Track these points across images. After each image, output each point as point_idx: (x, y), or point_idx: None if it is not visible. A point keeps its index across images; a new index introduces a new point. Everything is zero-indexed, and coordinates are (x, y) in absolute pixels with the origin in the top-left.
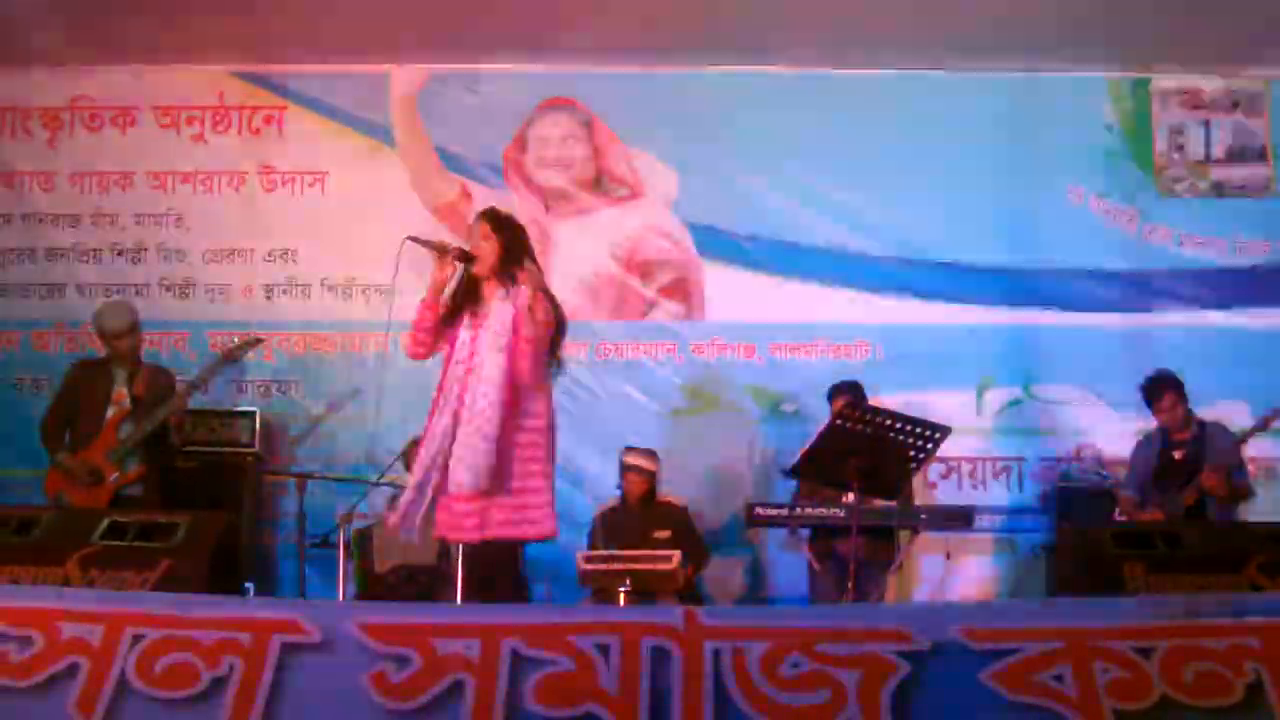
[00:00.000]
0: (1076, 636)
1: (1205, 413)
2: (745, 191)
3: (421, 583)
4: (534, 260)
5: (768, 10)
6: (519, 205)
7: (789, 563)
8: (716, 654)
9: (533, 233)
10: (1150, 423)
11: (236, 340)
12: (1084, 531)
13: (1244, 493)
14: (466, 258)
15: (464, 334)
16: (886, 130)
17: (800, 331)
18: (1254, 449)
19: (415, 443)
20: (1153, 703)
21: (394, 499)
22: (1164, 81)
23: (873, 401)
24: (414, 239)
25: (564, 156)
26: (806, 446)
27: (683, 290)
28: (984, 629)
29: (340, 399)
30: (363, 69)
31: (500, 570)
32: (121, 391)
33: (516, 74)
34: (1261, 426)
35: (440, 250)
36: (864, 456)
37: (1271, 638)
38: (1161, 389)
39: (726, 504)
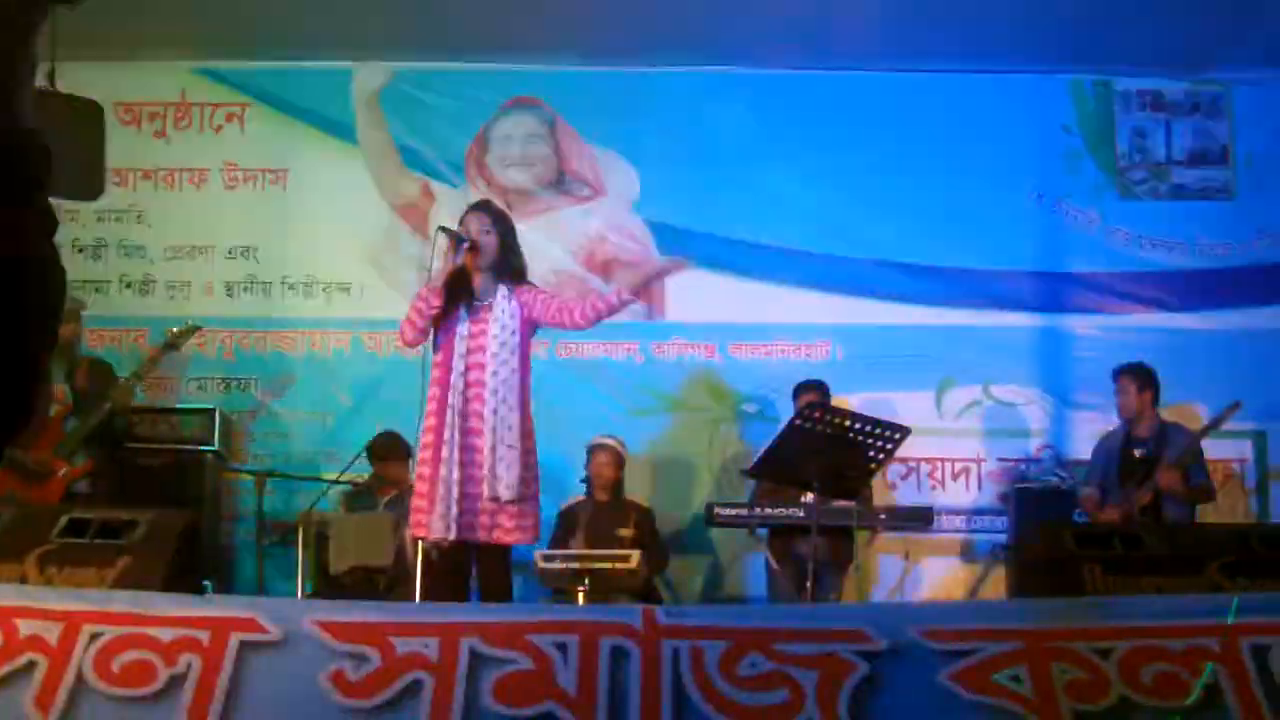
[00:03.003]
0: (1035, 637)
1: (1165, 413)
2: (707, 191)
3: (378, 583)
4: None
5: (731, 10)
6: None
7: (748, 563)
8: (675, 653)
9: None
10: (1110, 423)
11: (175, 330)
12: (1043, 532)
13: (1202, 492)
14: (473, 248)
15: (463, 328)
16: (848, 131)
17: (761, 331)
18: (1215, 451)
19: (385, 440)
20: (1111, 703)
21: (354, 496)
22: (1126, 83)
23: (833, 402)
24: (444, 229)
25: (527, 155)
26: (766, 447)
27: (644, 290)
28: (942, 629)
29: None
30: (325, 66)
31: (506, 574)
32: (61, 388)
33: (480, 72)
34: (1217, 422)
35: (458, 240)
36: (824, 457)
37: (1229, 639)
38: (1122, 372)
39: (687, 504)
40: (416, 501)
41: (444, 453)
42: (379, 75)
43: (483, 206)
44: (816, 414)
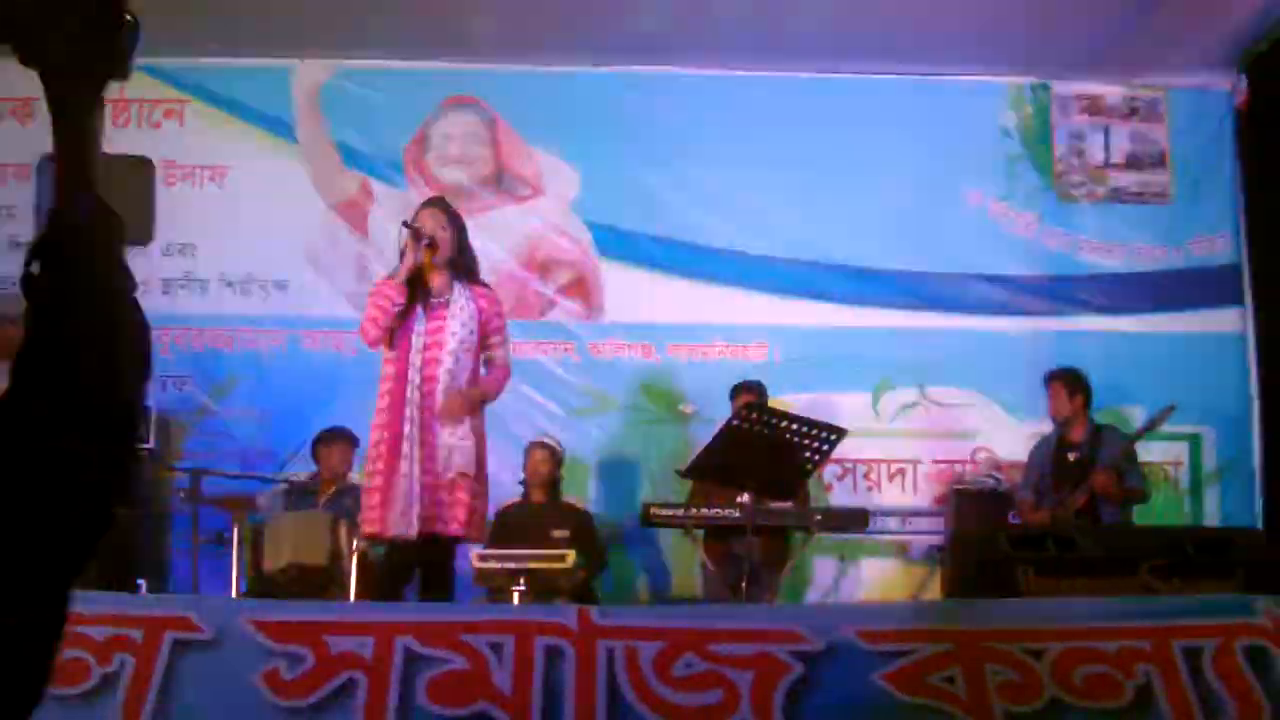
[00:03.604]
0: (969, 639)
1: (1101, 417)
2: (646, 192)
3: (314, 582)
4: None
5: (670, 11)
6: (419, 202)
7: (683, 563)
8: (610, 653)
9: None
10: (1045, 426)
11: None
12: (978, 534)
13: (1136, 495)
14: (432, 245)
15: (420, 325)
16: (787, 132)
17: (698, 332)
18: (1151, 453)
19: (326, 437)
20: (1043, 704)
21: (291, 494)
22: (1064, 87)
23: (771, 403)
24: (408, 225)
25: (466, 154)
26: (703, 447)
27: (582, 290)
28: (877, 630)
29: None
30: (265, 63)
31: (451, 570)
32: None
33: (420, 70)
34: (1152, 425)
35: (419, 236)
36: (760, 458)
37: (1161, 641)
38: (1054, 377)
39: (623, 504)
40: (369, 499)
41: (403, 448)
42: (318, 73)
43: (438, 203)
44: (753, 415)
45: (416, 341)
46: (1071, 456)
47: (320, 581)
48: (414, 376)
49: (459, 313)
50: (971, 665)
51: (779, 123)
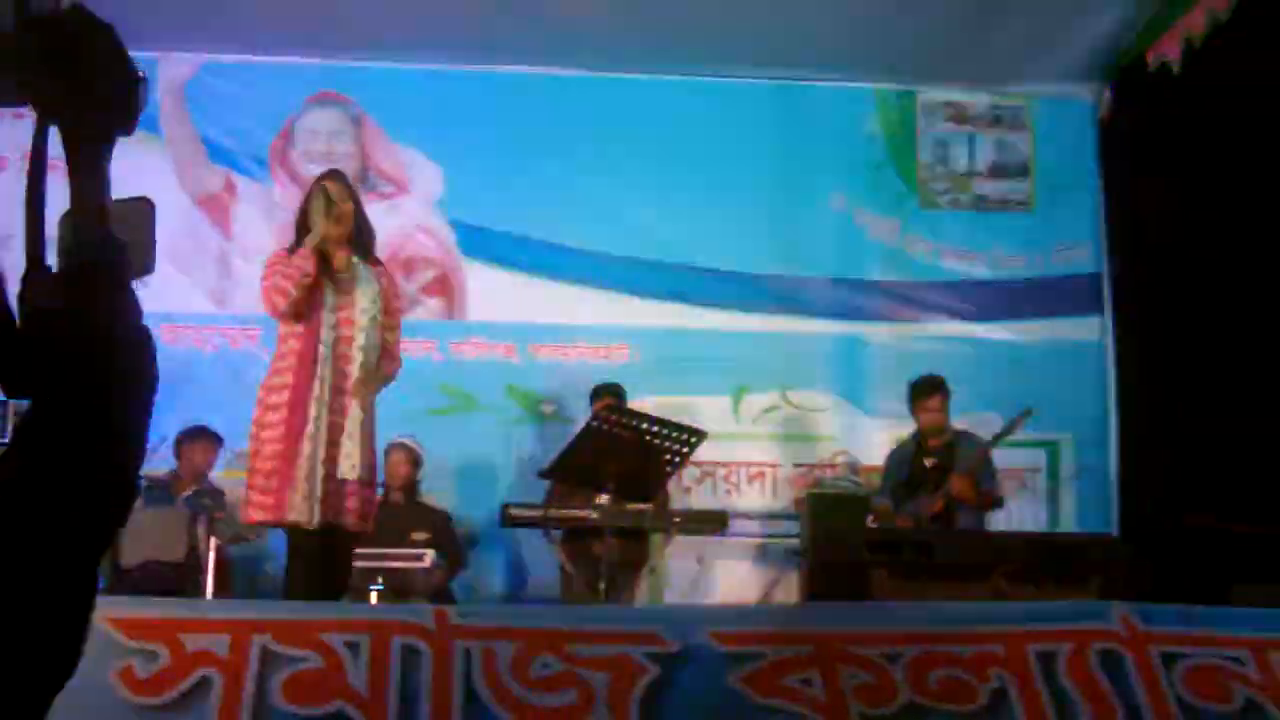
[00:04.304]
0: (826, 642)
1: (960, 423)
2: (511, 191)
3: (170, 578)
4: None
5: (534, 10)
6: (284, 198)
7: (542, 564)
8: (467, 654)
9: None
10: (904, 431)
11: None
12: (836, 538)
13: (992, 500)
14: (336, 218)
15: (330, 299)
16: (654, 134)
17: (560, 332)
18: (1008, 459)
19: (190, 435)
20: (898, 708)
21: (150, 490)
22: (929, 95)
23: (631, 405)
24: (323, 188)
25: (331, 151)
26: (563, 448)
27: (444, 288)
28: (734, 633)
29: None
30: (131, 55)
31: (349, 564)
32: None
33: (286, 66)
34: (1008, 431)
35: (329, 203)
36: (620, 459)
37: (1015, 645)
38: (931, 390)
39: (483, 504)
40: (261, 481)
41: (308, 429)
42: (184, 67)
43: (338, 175)
44: (614, 416)
45: (328, 317)
46: (929, 462)
47: (177, 578)
48: (325, 354)
49: (367, 289)
50: (828, 668)
51: (644, 124)
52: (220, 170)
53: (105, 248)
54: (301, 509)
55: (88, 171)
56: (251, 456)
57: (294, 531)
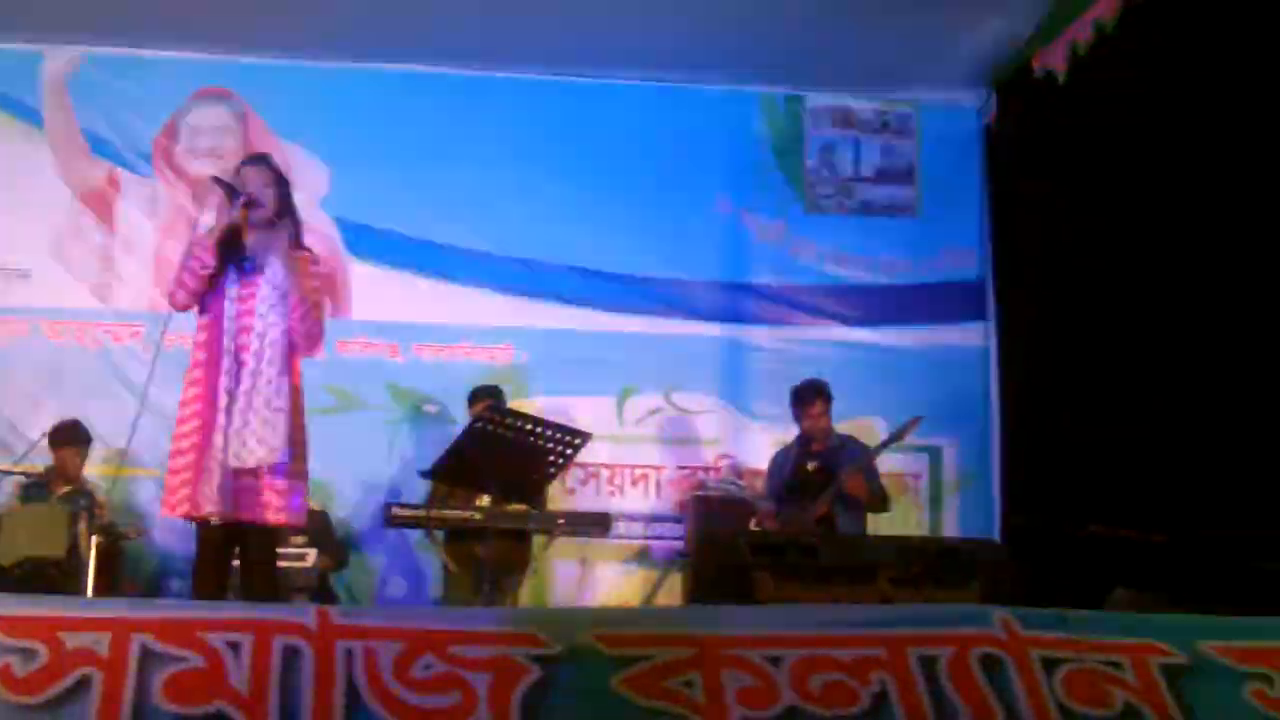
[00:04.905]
0: (708, 644)
1: (844, 427)
2: (396, 191)
3: (49, 576)
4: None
5: (423, 10)
6: (167, 194)
7: (425, 564)
8: (349, 654)
9: (178, 223)
10: (788, 435)
11: None
12: (719, 540)
13: (880, 501)
14: (251, 204)
15: (234, 290)
16: (541, 135)
17: (445, 333)
18: (887, 463)
19: (65, 426)
20: (780, 710)
21: (28, 488)
22: (816, 99)
23: (515, 406)
24: (219, 180)
25: (215, 146)
26: (446, 448)
27: (328, 287)
28: (617, 635)
29: None
30: (13, 47)
31: (274, 558)
32: None
33: (171, 60)
34: (897, 437)
35: (233, 194)
36: (504, 460)
37: (896, 649)
38: (814, 395)
39: (366, 504)
40: (172, 479)
41: (218, 420)
42: (66, 59)
43: (262, 160)
44: (498, 416)
45: (230, 308)
46: (812, 466)
47: (57, 576)
48: (228, 345)
49: (272, 276)
50: (710, 670)
51: (531, 126)
52: (104, 165)
53: None
54: (214, 502)
55: None
56: (173, 453)
57: (203, 526)
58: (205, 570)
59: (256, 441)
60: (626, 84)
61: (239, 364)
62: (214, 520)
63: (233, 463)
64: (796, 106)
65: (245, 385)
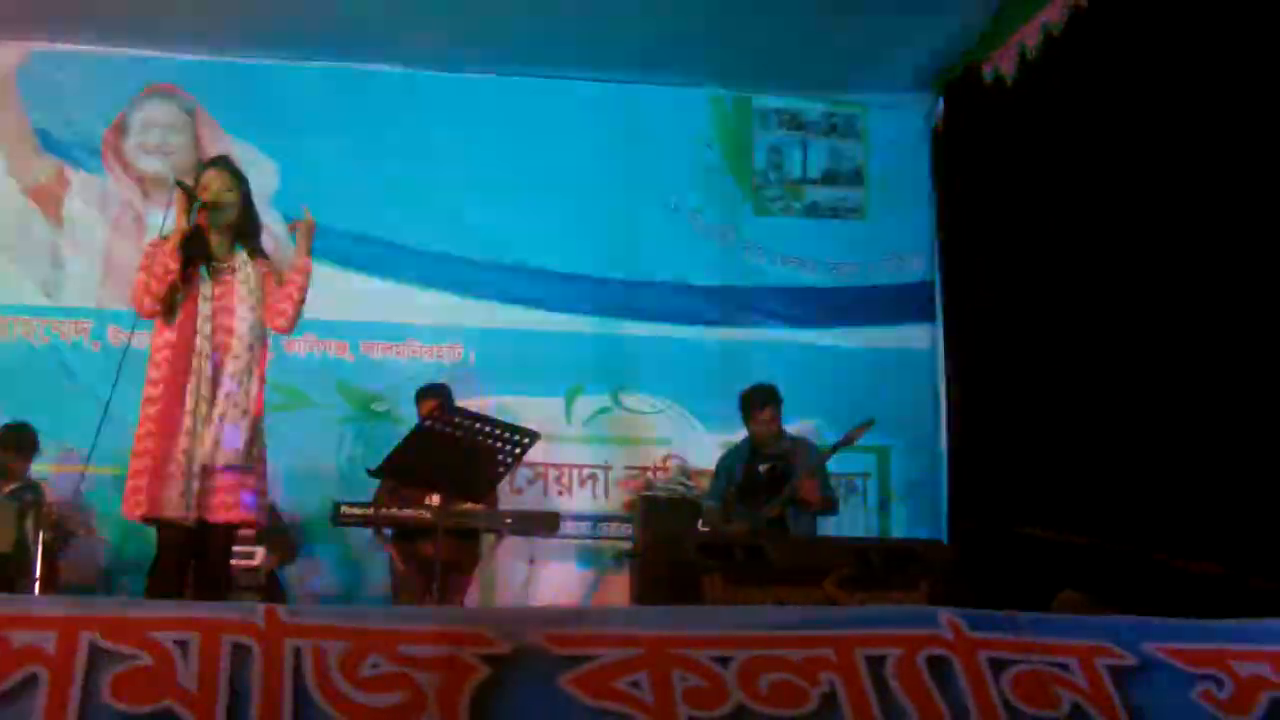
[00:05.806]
0: (656, 644)
1: (793, 428)
2: (345, 189)
3: None
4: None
5: (375, 7)
6: (116, 190)
7: (374, 562)
8: (297, 652)
9: (127, 219)
10: (736, 436)
11: None
12: (667, 541)
13: (829, 504)
14: (215, 208)
15: (207, 289)
16: (492, 135)
17: (393, 331)
18: (835, 465)
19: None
20: (728, 711)
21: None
22: (764, 101)
23: (464, 405)
24: (181, 184)
25: (165, 143)
26: (394, 447)
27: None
28: (565, 634)
29: None
30: None
31: (228, 559)
32: None
33: (121, 56)
34: (849, 440)
35: (193, 197)
36: (452, 459)
37: (844, 649)
38: (764, 400)
39: (314, 502)
40: (133, 481)
41: (184, 422)
42: (15, 55)
43: (223, 163)
44: (446, 415)
45: (204, 307)
46: (763, 468)
47: (4, 572)
48: (202, 346)
49: (246, 278)
50: (658, 670)
51: (480, 124)
52: (52, 161)
53: None
54: (176, 504)
55: None
56: (135, 453)
57: (164, 528)
58: (167, 572)
59: (228, 441)
60: (576, 83)
61: (215, 365)
62: (177, 522)
63: (203, 462)
64: (745, 108)
65: (225, 386)
